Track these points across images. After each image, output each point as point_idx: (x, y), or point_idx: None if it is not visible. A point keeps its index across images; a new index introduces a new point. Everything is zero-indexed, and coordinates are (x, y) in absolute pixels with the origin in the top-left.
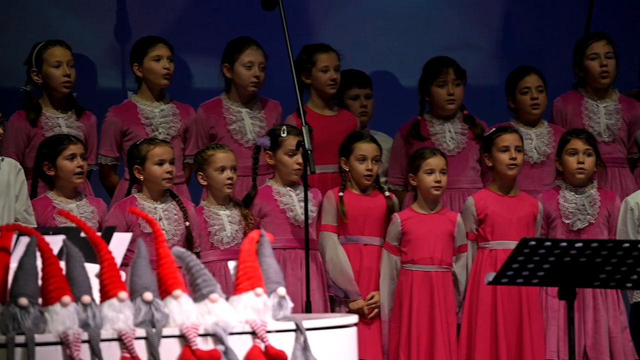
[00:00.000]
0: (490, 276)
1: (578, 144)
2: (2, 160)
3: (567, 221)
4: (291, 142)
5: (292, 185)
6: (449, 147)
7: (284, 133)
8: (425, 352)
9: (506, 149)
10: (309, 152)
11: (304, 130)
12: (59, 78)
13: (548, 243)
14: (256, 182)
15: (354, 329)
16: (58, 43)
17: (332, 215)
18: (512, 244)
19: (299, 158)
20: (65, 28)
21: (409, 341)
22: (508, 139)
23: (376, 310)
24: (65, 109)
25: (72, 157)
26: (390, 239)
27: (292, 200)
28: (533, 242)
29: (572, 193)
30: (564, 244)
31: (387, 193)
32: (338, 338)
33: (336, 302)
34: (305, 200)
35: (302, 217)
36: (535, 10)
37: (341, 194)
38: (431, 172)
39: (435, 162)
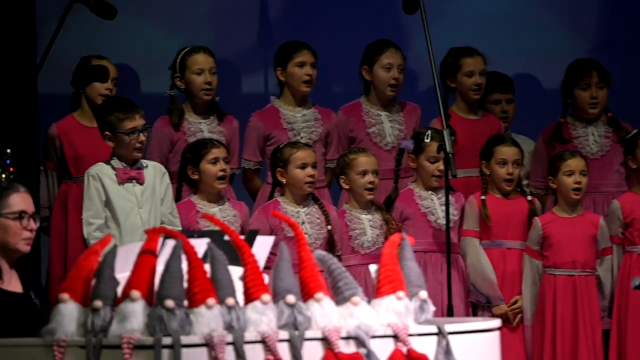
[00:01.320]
0: (637, 280)
1: None
2: (147, 167)
3: None
4: (434, 148)
5: (434, 189)
6: (592, 151)
7: (427, 138)
8: (569, 358)
9: None
10: (450, 155)
11: (445, 133)
12: (200, 85)
13: None
14: (398, 185)
15: (497, 333)
16: (202, 49)
17: (474, 220)
18: None
19: (440, 165)
20: (208, 32)
21: (554, 346)
22: None
23: (520, 315)
24: (208, 114)
25: (215, 160)
26: (532, 243)
27: (433, 203)
28: None
29: None
30: None
31: (529, 197)
32: (481, 342)
33: (479, 307)
34: (447, 204)
35: (444, 220)
36: None
37: (483, 197)
38: (571, 173)
39: (574, 163)
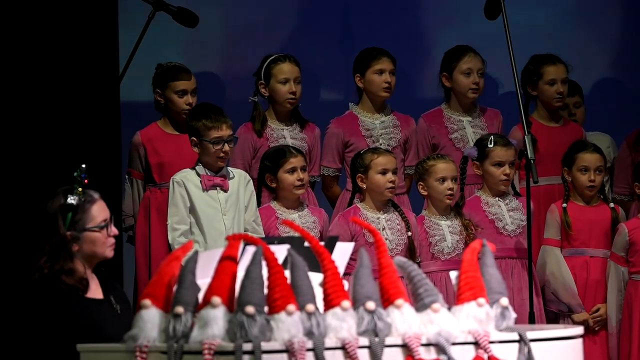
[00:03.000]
0: None
1: None
2: (234, 175)
3: None
4: (498, 152)
5: (502, 195)
6: None
7: (491, 144)
8: None
9: None
10: (532, 161)
11: (527, 139)
12: (284, 94)
13: None
14: (464, 193)
15: (579, 341)
16: (287, 59)
17: (555, 228)
18: None
19: (506, 169)
20: (291, 40)
21: None
22: None
23: (601, 323)
24: (290, 121)
25: (292, 170)
26: (617, 250)
27: (500, 210)
28: None
29: None
30: None
31: (611, 204)
32: (563, 349)
33: (560, 316)
34: (528, 210)
35: (512, 226)
36: None
37: (565, 205)
38: None
39: None
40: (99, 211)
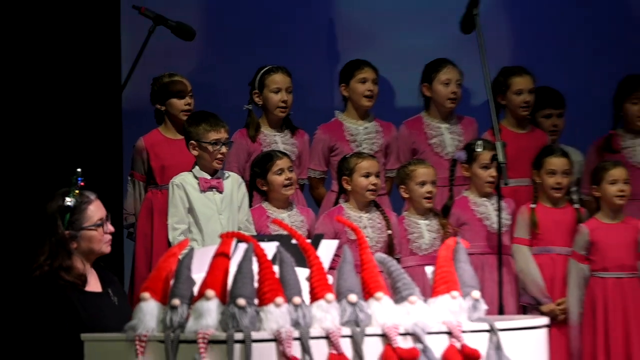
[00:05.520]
0: None
1: None
2: (229, 176)
3: None
4: (485, 156)
5: (487, 195)
6: (639, 160)
7: (479, 148)
8: (622, 354)
9: None
10: (502, 165)
11: (498, 145)
12: (276, 103)
13: None
14: (453, 193)
15: (544, 330)
16: (280, 69)
17: (524, 228)
18: None
19: (492, 171)
20: (282, 52)
21: (607, 344)
22: None
23: (565, 315)
24: (282, 128)
25: (280, 171)
26: (578, 248)
27: (487, 209)
28: None
29: None
30: None
31: (576, 206)
32: (529, 339)
33: (528, 308)
34: (499, 210)
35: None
36: None
37: (533, 205)
38: (614, 182)
39: (618, 173)
40: (95, 211)
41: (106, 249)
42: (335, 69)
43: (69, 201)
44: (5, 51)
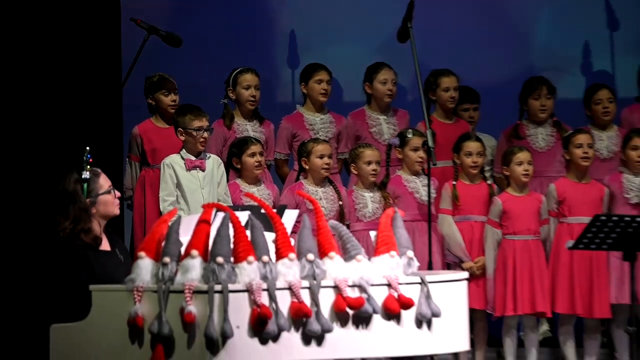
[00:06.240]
0: (570, 243)
1: (638, 141)
2: (210, 157)
3: (627, 196)
4: (415, 141)
5: (417, 173)
6: (540, 146)
7: (409, 135)
8: (528, 301)
9: (580, 146)
10: (432, 149)
11: (428, 133)
12: (247, 98)
13: (615, 218)
14: (389, 172)
15: (465, 283)
16: (250, 70)
17: (448, 201)
18: (586, 219)
19: (420, 153)
20: (253, 56)
21: (515, 293)
22: (581, 138)
23: (481, 270)
24: (252, 118)
25: (252, 154)
26: (493, 217)
27: (417, 185)
28: (603, 218)
29: (632, 176)
30: (628, 218)
31: (489, 181)
32: (453, 289)
33: (452, 265)
34: (429, 185)
35: (426, 197)
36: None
37: (454, 182)
38: (520, 163)
39: (523, 156)
40: (104, 181)
41: (117, 210)
42: (296, 70)
43: (85, 174)
44: (29, 55)
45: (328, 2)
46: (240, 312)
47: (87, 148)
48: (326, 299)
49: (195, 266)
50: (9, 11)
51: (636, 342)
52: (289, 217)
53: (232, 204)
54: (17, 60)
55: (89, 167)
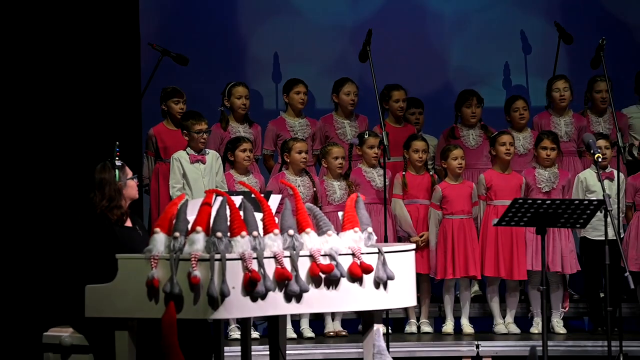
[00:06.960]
0: (495, 221)
1: (547, 143)
2: (209, 153)
3: (539, 186)
4: (371, 141)
5: (373, 166)
6: (471, 144)
7: (367, 135)
8: (463, 267)
9: (503, 144)
10: (386, 147)
11: (384, 134)
12: (239, 106)
13: (530, 201)
14: (351, 165)
15: (412, 253)
16: (241, 84)
17: (399, 188)
18: (507, 202)
19: (375, 150)
20: (244, 73)
21: (453, 260)
22: (505, 138)
23: (424, 243)
24: (243, 122)
25: (243, 150)
26: (435, 201)
27: (373, 175)
28: (521, 201)
29: (542, 170)
30: (539, 201)
31: (431, 172)
32: (402, 258)
33: (402, 239)
34: (384, 176)
35: (381, 185)
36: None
37: (404, 173)
38: (455, 158)
39: (457, 152)
40: (128, 170)
41: (137, 194)
42: (279, 84)
43: (118, 163)
44: (72, 73)
45: (305, 33)
46: (235, 276)
47: (117, 143)
48: (303, 266)
49: (199, 239)
50: (59, 39)
51: (545, 299)
52: (274, 201)
53: (227, 190)
54: (63, 76)
55: (117, 159)
